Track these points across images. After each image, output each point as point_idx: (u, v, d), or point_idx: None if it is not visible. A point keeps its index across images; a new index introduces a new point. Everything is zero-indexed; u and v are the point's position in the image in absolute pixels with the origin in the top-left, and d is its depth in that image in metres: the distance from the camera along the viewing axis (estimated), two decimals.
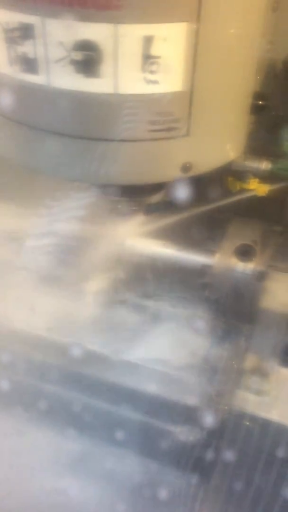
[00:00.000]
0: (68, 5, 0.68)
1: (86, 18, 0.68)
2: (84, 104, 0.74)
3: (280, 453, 0.69)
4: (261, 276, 0.93)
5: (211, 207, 1.03)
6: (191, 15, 0.70)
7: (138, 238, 0.99)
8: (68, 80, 0.73)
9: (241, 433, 0.70)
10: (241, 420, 0.70)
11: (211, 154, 0.87)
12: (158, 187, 0.95)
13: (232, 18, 0.75)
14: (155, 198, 0.99)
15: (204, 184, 0.91)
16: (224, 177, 0.99)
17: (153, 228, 0.99)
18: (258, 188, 1.00)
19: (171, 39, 0.71)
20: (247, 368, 0.73)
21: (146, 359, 0.83)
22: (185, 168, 0.82)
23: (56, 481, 0.83)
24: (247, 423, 0.69)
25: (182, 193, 0.86)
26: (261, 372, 0.71)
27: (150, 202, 0.99)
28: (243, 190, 1.01)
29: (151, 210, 1.00)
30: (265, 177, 0.98)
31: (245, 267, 0.93)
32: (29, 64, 0.74)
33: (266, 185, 0.99)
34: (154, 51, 0.71)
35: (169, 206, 0.97)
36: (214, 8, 0.71)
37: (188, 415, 0.78)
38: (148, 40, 0.70)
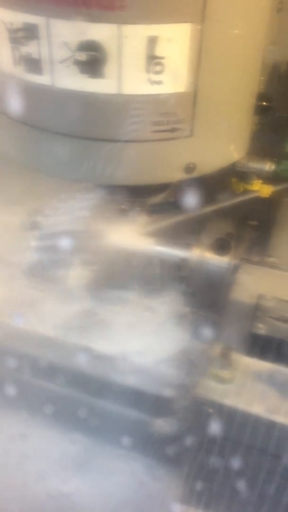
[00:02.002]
0: (72, 6, 0.68)
1: (90, 18, 0.68)
2: (88, 104, 0.74)
3: (245, 439, 0.70)
4: (235, 269, 0.95)
5: (214, 208, 1.03)
6: (195, 16, 0.70)
7: (119, 233, 1.00)
8: (72, 80, 0.73)
9: (206, 420, 0.71)
10: (206, 407, 0.71)
11: (215, 155, 0.87)
12: (162, 187, 0.95)
13: (237, 19, 0.75)
14: (159, 198, 0.99)
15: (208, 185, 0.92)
16: (227, 178, 0.99)
17: (156, 228, 1.00)
18: (261, 189, 0.99)
19: (176, 39, 0.71)
20: (213, 357, 0.74)
21: (124, 352, 0.84)
22: (189, 168, 0.82)
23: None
24: (211, 410, 0.70)
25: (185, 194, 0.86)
26: (226, 361, 0.72)
27: (154, 202, 0.99)
28: (247, 191, 1.01)
29: (155, 210, 1.00)
30: (268, 178, 0.98)
31: (220, 261, 0.95)
32: (33, 64, 0.74)
33: (269, 186, 0.99)
34: (158, 51, 0.71)
35: (172, 206, 0.98)
36: (218, 9, 0.71)
37: (165, 407, 0.78)
38: (152, 41, 0.70)
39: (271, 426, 0.68)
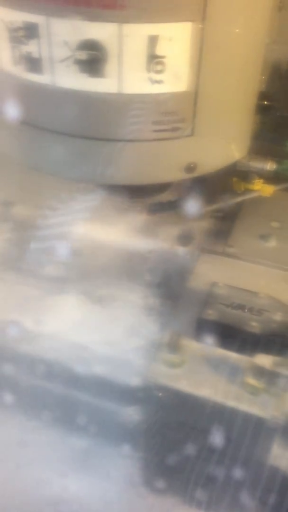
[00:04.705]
0: (72, 4, 0.68)
1: (90, 17, 0.68)
2: (88, 104, 0.74)
3: (194, 422, 0.72)
4: (197, 259, 0.96)
5: (215, 207, 1.03)
6: (196, 14, 0.70)
7: (85, 225, 1.02)
8: (72, 79, 0.73)
9: (156, 404, 0.73)
10: (156, 391, 0.72)
11: (216, 154, 0.86)
12: (163, 187, 0.95)
13: (238, 17, 0.74)
14: (160, 198, 0.99)
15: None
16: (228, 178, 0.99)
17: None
18: (262, 189, 0.99)
19: (176, 38, 0.71)
20: (163, 342, 0.76)
21: (92, 341, 0.84)
22: (190, 168, 0.82)
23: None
24: (160, 394, 0.72)
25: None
26: (176, 346, 0.74)
27: (154, 201, 0.99)
28: (247, 191, 1.00)
29: (155, 210, 1.00)
30: (270, 178, 0.98)
31: (183, 251, 0.97)
32: (34, 64, 0.74)
33: (270, 185, 0.99)
34: (159, 51, 0.70)
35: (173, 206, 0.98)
36: (219, 7, 0.71)
37: (131, 395, 0.79)
38: (153, 40, 0.69)
39: (219, 409, 0.70)
